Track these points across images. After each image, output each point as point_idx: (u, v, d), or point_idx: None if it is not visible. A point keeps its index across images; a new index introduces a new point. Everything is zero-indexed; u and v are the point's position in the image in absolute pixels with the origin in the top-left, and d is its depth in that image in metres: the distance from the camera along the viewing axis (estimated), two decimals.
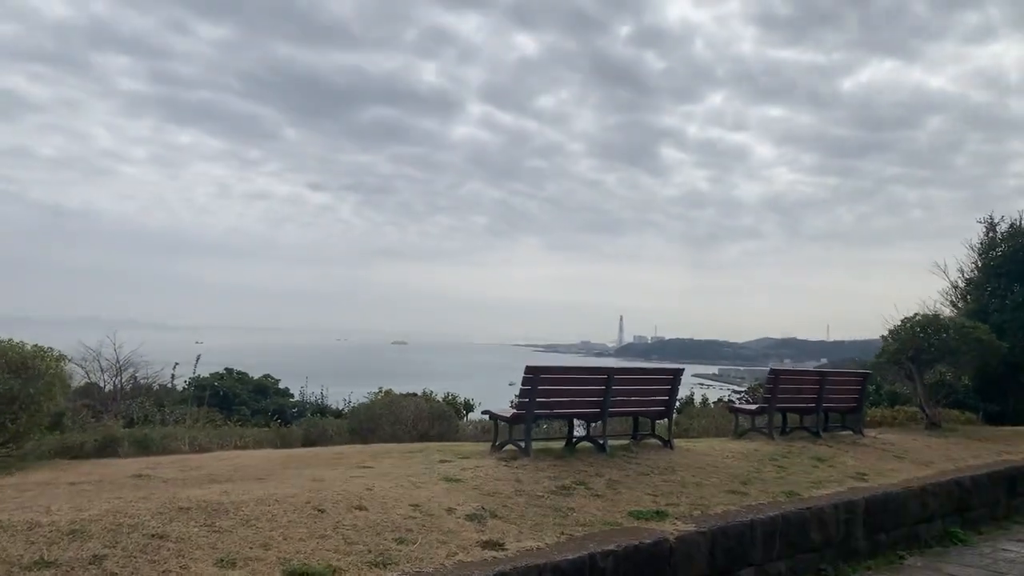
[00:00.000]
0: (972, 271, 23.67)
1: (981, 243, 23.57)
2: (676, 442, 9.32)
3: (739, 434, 10.36)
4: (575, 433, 8.84)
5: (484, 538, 5.37)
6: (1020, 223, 23.29)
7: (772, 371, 10.32)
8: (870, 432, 11.41)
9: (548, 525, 5.85)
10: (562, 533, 5.69)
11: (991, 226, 23.47)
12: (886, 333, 12.92)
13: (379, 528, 5.27)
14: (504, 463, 7.49)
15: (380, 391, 28.74)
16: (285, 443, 15.59)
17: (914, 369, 12.19)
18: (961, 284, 24.07)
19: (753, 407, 10.39)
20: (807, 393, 10.58)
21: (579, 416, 8.59)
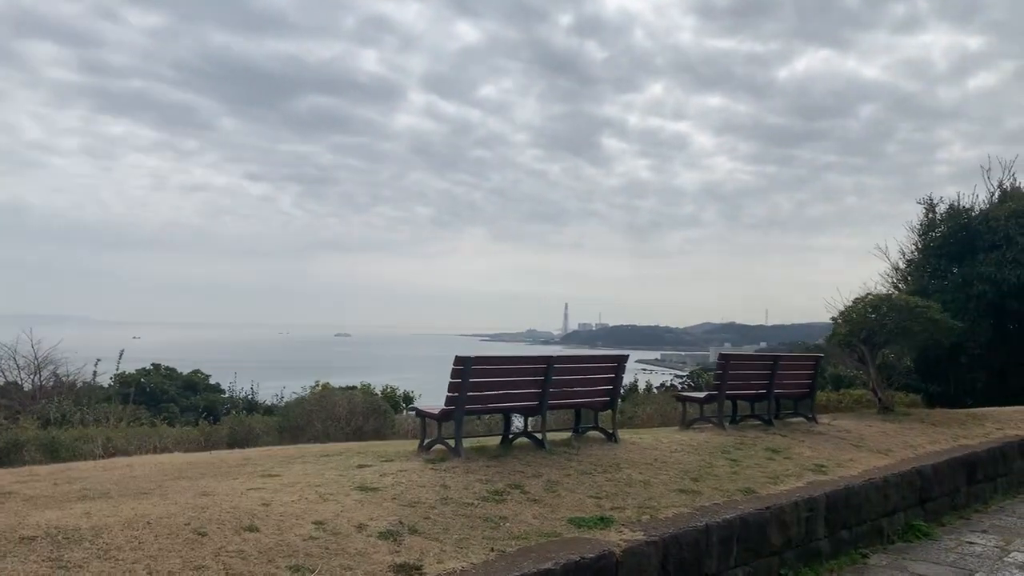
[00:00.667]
0: (912, 252, 23.63)
1: (921, 224, 23.52)
2: (621, 434, 8.62)
3: (687, 424, 9.71)
4: (512, 429, 8.06)
5: (399, 560, 4.53)
6: (958, 204, 23.31)
7: (721, 356, 9.67)
8: (823, 418, 10.89)
9: (476, 540, 5.04)
10: (492, 549, 4.89)
11: (930, 207, 23.42)
12: (836, 315, 12.44)
13: (271, 554, 4.39)
14: (431, 466, 6.66)
15: (317, 385, 27.67)
16: (210, 443, 14.61)
17: (866, 351, 11.72)
18: (902, 266, 24.03)
19: (702, 395, 9.73)
20: (758, 379, 9.97)
21: (516, 410, 7.80)
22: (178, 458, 8.71)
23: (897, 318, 11.10)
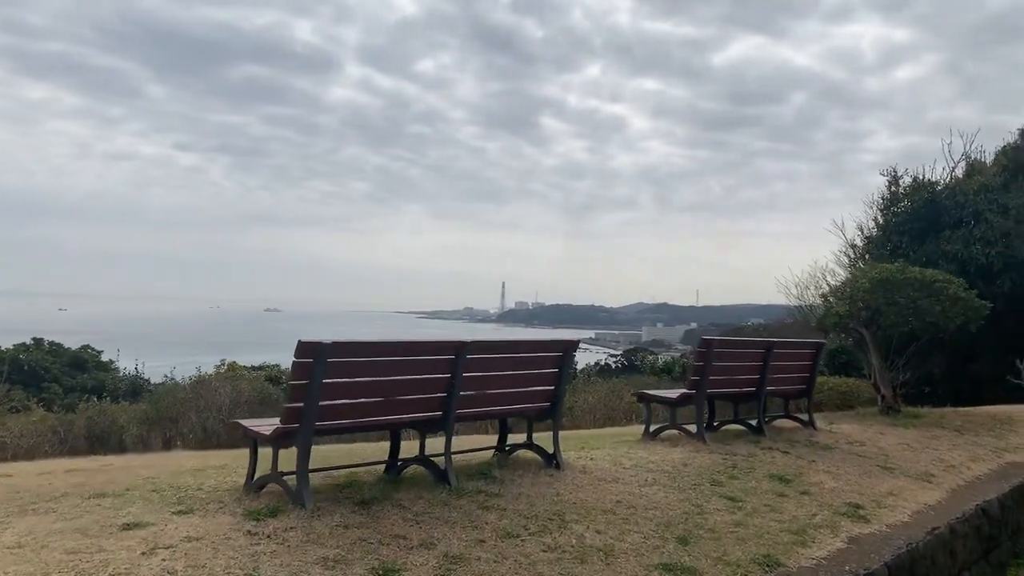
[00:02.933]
0: (871, 229, 21.75)
1: (883, 198, 21.60)
2: (565, 448, 6.06)
3: (653, 433, 7.15)
4: (403, 452, 5.34)
5: None
6: (923, 177, 21.43)
7: (703, 341, 7.09)
8: (818, 421, 8.47)
9: None
10: None
11: (894, 179, 21.49)
12: (827, 291, 10.09)
13: None
14: (251, 525, 3.93)
15: (223, 364, 24.60)
16: (69, 437, 12.05)
17: (868, 337, 9.36)
18: (860, 243, 22.12)
19: (674, 395, 7.17)
20: (746, 372, 7.46)
21: (406, 424, 5.09)
22: None
23: (913, 295, 8.77)
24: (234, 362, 25.85)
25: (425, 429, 5.09)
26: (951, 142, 21.80)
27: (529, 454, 5.76)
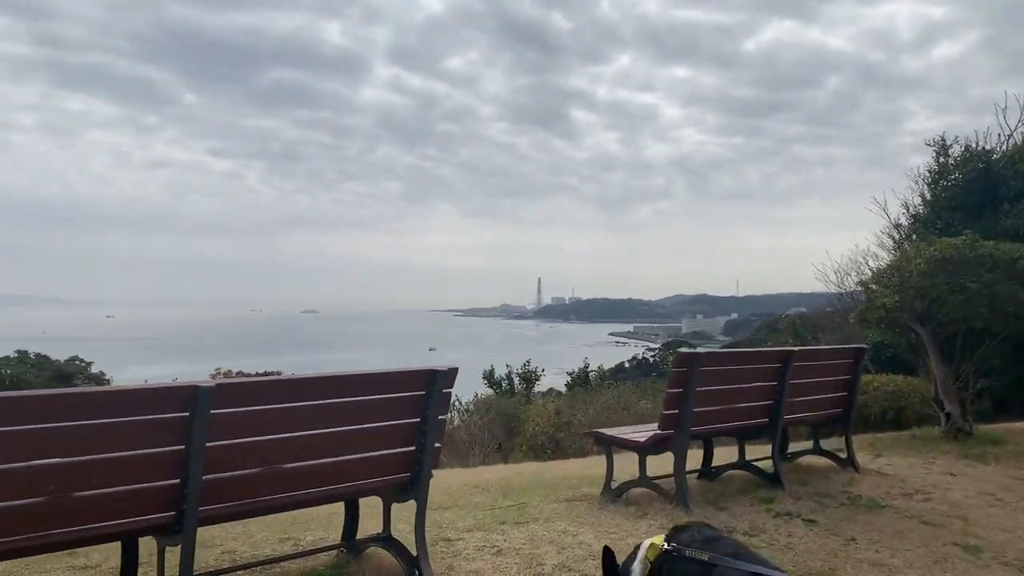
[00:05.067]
0: (917, 207, 19.24)
1: (930, 171, 19.04)
2: (467, 534, 3.92)
3: (616, 492, 4.93)
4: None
5: None
6: (976, 145, 18.85)
7: (681, 357, 4.74)
8: (862, 455, 6.17)
9: None
10: None
11: (942, 149, 18.88)
12: (868, 278, 7.77)
13: None
14: None
15: (218, 372, 23.14)
16: None
17: (925, 336, 7.01)
18: (905, 223, 19.60)
19: (643, 437, 4.91)
20: (754, 397, 5.19)
21: (76, 541, 2.95)
22: None
23: (988, 278, 6.43)
24: (229, 369, 24.06)
25: (160, 538, 2.93)
26: (1006, 107, 19.20)
27: (386, 556, 3.59)
